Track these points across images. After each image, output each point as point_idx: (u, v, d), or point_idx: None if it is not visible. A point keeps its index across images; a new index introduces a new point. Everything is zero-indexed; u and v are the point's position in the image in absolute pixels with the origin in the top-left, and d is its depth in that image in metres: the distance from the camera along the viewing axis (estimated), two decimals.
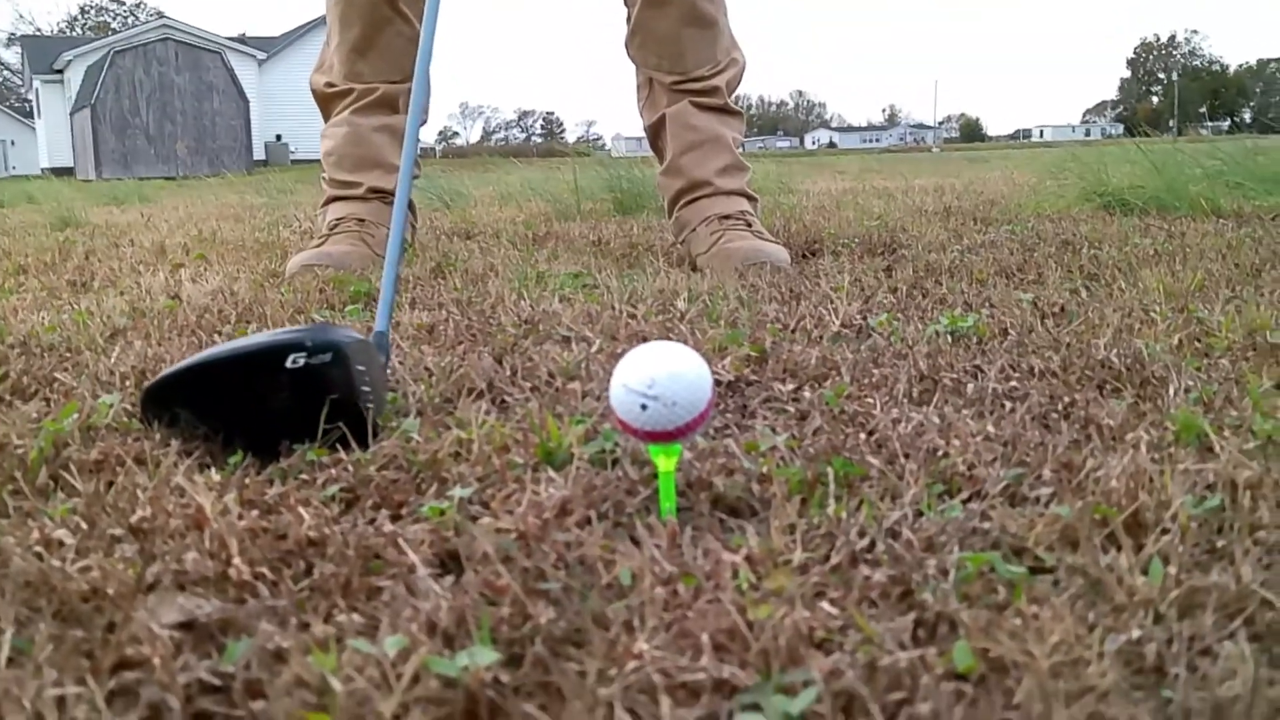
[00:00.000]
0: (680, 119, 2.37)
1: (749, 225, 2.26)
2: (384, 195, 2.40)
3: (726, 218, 2.26)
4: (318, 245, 2.29)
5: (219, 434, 0.97)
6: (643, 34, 2.36)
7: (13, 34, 55.38)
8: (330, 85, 2.47)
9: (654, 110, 2.43)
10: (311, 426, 0.96)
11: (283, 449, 0.95)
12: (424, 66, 1.51)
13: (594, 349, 1.34)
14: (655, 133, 2.45)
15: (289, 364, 0.96)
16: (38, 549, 0.74)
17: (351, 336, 1.02)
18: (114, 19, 58.27)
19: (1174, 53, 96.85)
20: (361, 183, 2.40)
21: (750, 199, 2.40)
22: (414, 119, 1.47)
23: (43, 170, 25.83)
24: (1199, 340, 1.34)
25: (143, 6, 59.74)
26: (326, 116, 2.52)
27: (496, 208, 4.52)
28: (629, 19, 2.38)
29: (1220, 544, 0.72)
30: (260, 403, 0.98)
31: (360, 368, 1.01)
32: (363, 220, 2.35)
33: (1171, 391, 1.09)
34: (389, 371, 1.19)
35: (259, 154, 25.58)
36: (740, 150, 2.45)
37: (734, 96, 2.44)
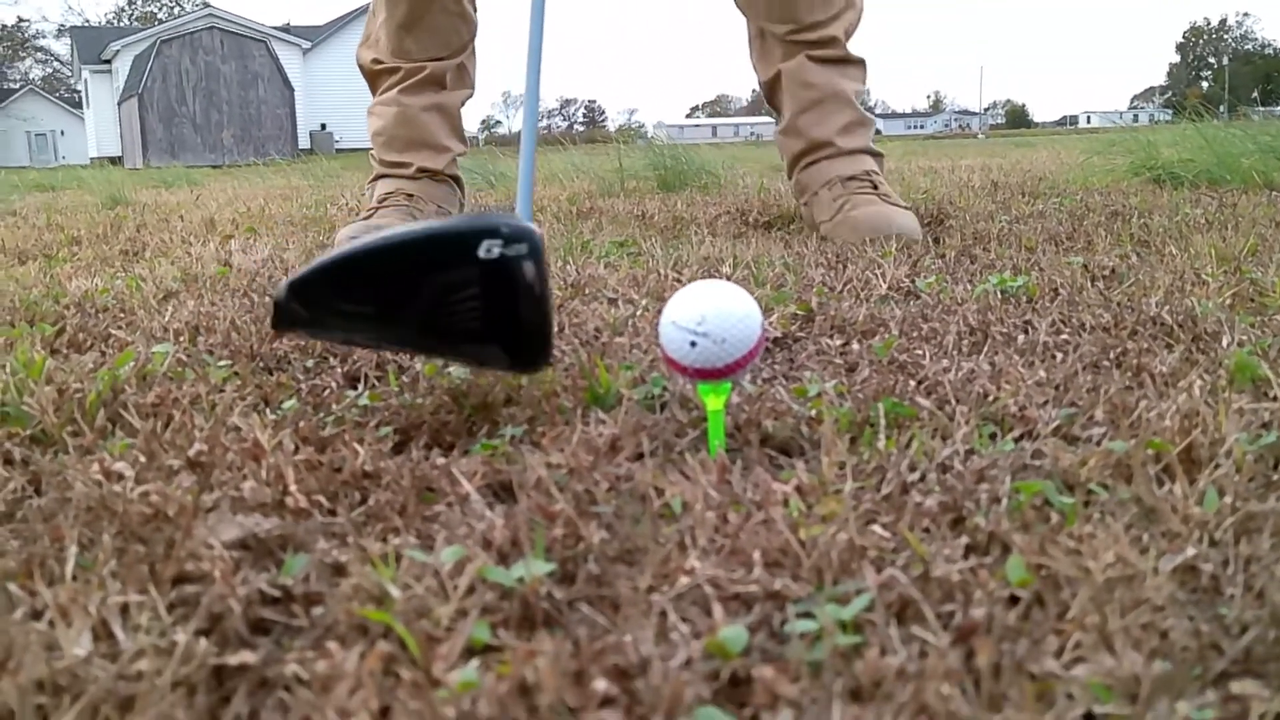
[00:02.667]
0: (797, 76, 2.24)
1: (875, 187, 2.14)
2: (433, 175, 2.41)
3: (850, 179, 2.15)
4: (366, 218, 2.31)
5: (376, 347, 0.81)
6: None
7: (62, 25, 56.10)
8: (377, 62, 2.48)
9: (768, 64, 2.30)
10: (495, 336, 0.81)
11: (334, 396, 0.95)
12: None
13: (640, 309, 1.34)
14: (771, 89, 2.33)
15: (482, 254, 0.78)
16: (98, 478, 0.75)
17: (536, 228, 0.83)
18: (160, 9, 58.74)
19: (1225, 36, 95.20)
20: (411, 163, 2.41)
21: (875, 155, 2.27)
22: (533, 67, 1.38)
23: (91, 160, 26.15)
24: (1252, 300, 1.32)
25: None
26: (374, 91, 2.54)
27: (541, 187, 4.52)
28: None
29: (1277, 477, 0.71)
30: (438, 305, 0.80)
31: (547, 265, 0.83)
32: (411, 195, 2.36)
33: (1225, 343, 1.08)
34: None
35: (304, 143, 25.71)
36: (862, 103, 2.29)
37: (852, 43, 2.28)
